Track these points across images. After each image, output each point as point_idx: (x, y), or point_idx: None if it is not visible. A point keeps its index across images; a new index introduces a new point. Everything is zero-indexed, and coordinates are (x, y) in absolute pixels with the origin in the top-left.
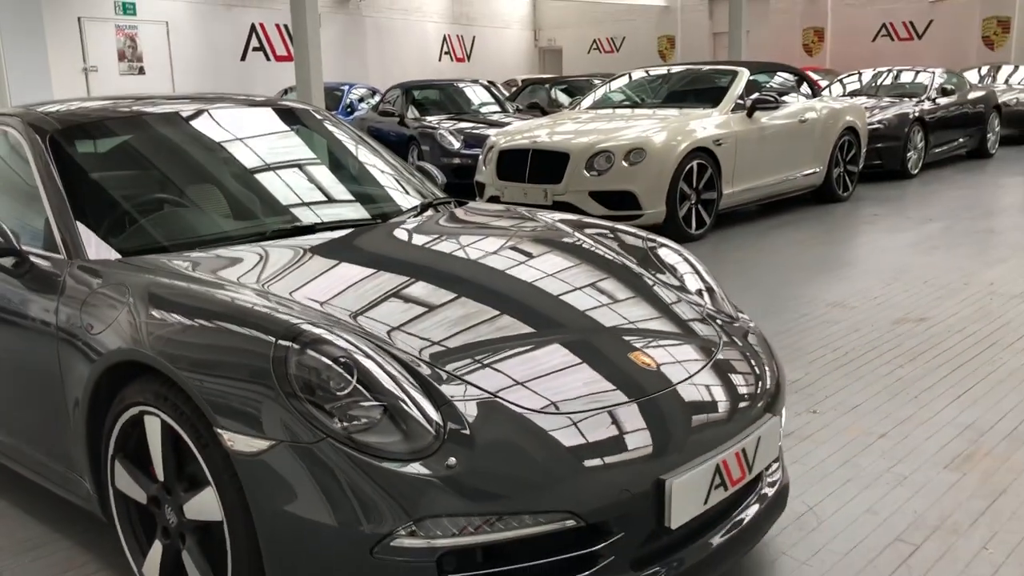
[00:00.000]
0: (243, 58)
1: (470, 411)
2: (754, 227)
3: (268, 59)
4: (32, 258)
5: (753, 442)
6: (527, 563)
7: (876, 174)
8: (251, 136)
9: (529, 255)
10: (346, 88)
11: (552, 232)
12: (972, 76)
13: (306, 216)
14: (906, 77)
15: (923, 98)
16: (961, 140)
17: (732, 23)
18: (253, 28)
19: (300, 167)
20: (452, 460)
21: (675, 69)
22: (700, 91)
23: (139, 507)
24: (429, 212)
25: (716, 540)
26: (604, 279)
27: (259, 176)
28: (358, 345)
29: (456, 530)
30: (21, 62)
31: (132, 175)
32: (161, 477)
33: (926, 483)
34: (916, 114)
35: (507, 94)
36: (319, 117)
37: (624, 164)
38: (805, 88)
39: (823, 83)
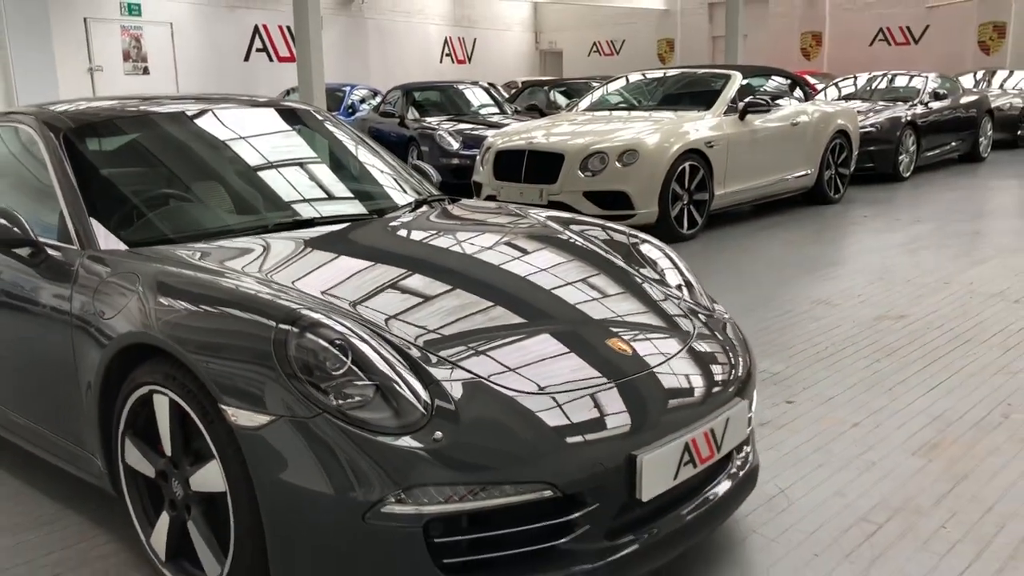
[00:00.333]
0: (246, 59)
1: (456, 391)
2: (745, 227)
3: (271, 60)
4: (47, 249)
5: (722, 423)
6: (509, 530)
7: (868, 177)
8: (254, 135)
9: (519, 250)
10: (348, 89)
11: (541, 228)
12: (967, 81)
13: (306, 211)
14: (900, 81)
15: (916, 102)
16: (953, 144)
17: (729, 27)
18: (256, 29)
19: (301, 165)
20: (439, 434)
21: (671, 72)
22: (695, 94)
23: (147, 481)
24: (423, 208)
25: (687, 514)
26: (590, 273)
27: (261, 173)
28: (353, 329)
29: (442, 498)
30: (28, 62)
31: (140, 171)
32: (168, 452)
33: (893, 468)
34: (908, 118)
35: (507, 96)
36: (320, 117)
37: (617, 165)
38: (798, 92)
39: (819, 86)
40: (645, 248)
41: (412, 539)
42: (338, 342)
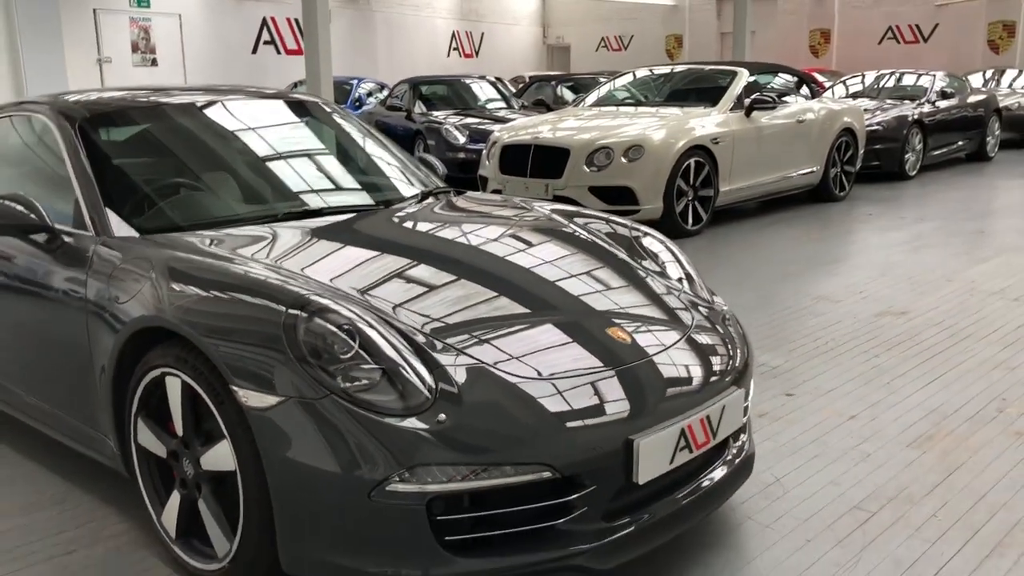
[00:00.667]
0: (254, 51)
1: (460, 376)
2: (750, 224)
3: (279, 52)
4: (63, 235)
5: (718, 410)
6: (508, 509)
7: (874, 175)
8: (264, 126)
9: (523, 242)
10: (355, 83)
11: (546, 221)
12: (976, 80)
13: (315, 201)
14: (908, 80)
15: (923, 101)
16: (960, 143)
17: (737, 23)
18: (264, 22)
19: (310, 156)
20: (442, 416)
21: (677, 68)
22: (701, 90)
23: (159, 461)
24: (429, 200)
25: (683, 498)
26: (592, 265)
27: (271, 163)
28: (361, 315)
29: (444, 478)
30: (38, 52)
31: (153, 160)
32: (180, 432)
33: (888, 459)
34: (915, 116)
35: (513, 90)
36: (328, 109)
37: (623, 160)
38: (804, 89)
39: (827, 84)
40: (647, 241)
41: (416, 516)
42: (346, 327)
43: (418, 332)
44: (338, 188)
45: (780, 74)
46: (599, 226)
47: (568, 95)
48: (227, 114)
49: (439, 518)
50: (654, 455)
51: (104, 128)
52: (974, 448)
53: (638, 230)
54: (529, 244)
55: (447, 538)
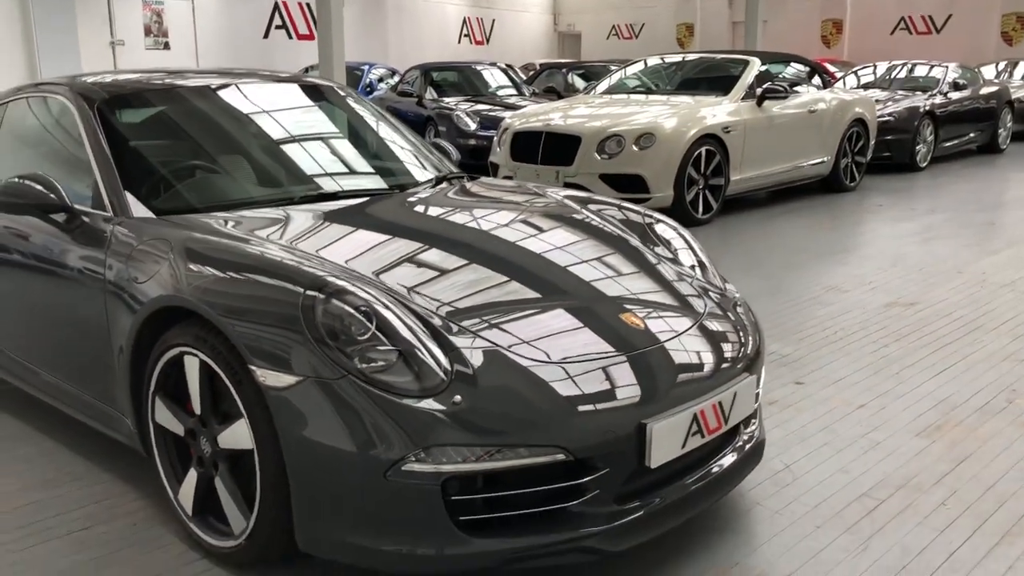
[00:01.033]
0: (266, 36)
1: (475, 358)
2: (760, 213)
3: (290, 37)
4: (81, 215)
5: (730, 396)
6: (522, 490)
7: (885, 166)
8: (280, 110)
9: (536, 228)
10: (366, 68)
11: (559, 207)
12: (989, 71)
13: (330, 185)
14: (920, 71)
15: (935, 92)
16: (972, 135)
17: (748, 13)
18: (276, 6)
19: (325, 140)
20: (458, 397)
21: (689, 57)
22: (713, 79)
23: (176, 439)
24: (443, 185)
25: (694, 483)
26: (605, 251)
27: (287, 147)
28: (377, 297)
29: (459, 458)
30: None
31: (171, 142)
32: (198, 411)
33: (897, 448)
34: (927, 107)
35: (524, 78)
36: (342, 94)
37: (634, 148)
38: (816, 79)
39: (839, 75)
40: (660, 228)
41: (431, 496)
42: (363, 309)
43: (434, 315)
44: (353, 172)
45: (792, 64)
46: (612, 212)
47: (579, 83)
48: (243, 97)
49: (454, 498)
50: (666, 439)
51: (122, 110)
52: (983, 438)
53: (651, 217)
54: (542, 230)
55: (461, 518)
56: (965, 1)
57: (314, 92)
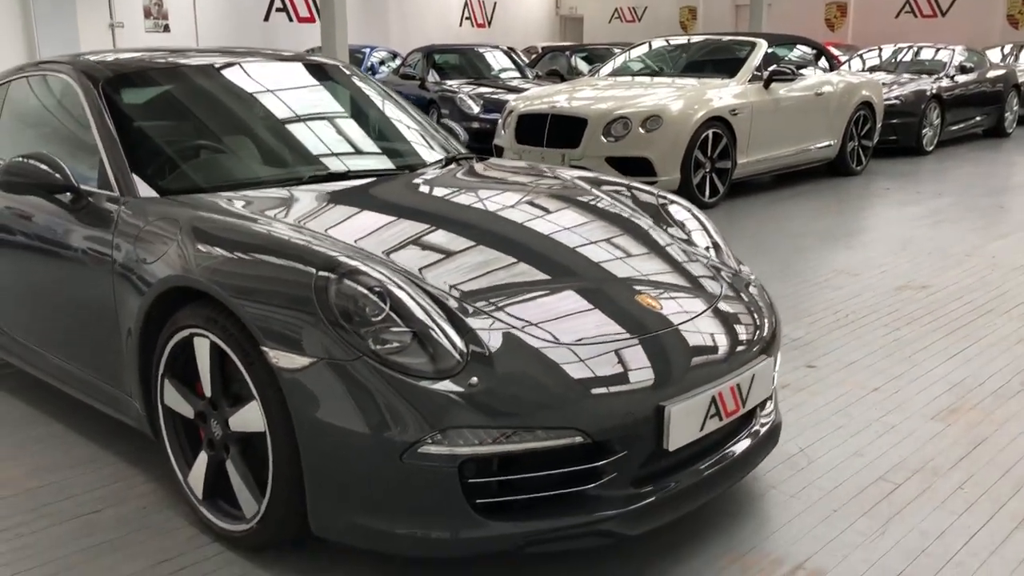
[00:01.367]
0: (266, 19)
1: (491, 340)
2: (767, 197)
3: (291, 20)
4: (87, 195)
5: (748, 379)
6: (539, 473)
7: (891, 150)
8: (286, 88)
9: (547, 209)
10: (367, 51)
11: (570, 188)
12: (995, 55)
13: (339, 165)
14: (926, 54)
15: (941, 75)
16: (978, 118)
17: None
18: None
19: (332, 119)
20: (474, 379)
21: (694, 39)
22: (718, 61)
23: (185, 422)
24: (453, 166)
25: (712, 466)
26: (618, 233)
27: (296, 126)
28: (391, 277)
29: (476, 441)
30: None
31: (176, 121)
32: (208, 393)
33: (912, 431)
34: (933, 91)
35: (527, 61)
36: (348, 72)
37: (641, 131)
38: (823, 62)
39: (843, 59)
40: (673, 209)
41: (447, 479)
42: (377, 289)
43: (447, 295)
44: (361, 152)
45: (797, 46)
46: (625, 194)
47: (582, 66)
48: (248, 76)
49: (470, 481)
50: (685, 422)
51: (127, 89)
52: (999, 422)
53: (664, 198)
54: (554, 211)
55: (478, 501)
56: None
57: (319, 71)
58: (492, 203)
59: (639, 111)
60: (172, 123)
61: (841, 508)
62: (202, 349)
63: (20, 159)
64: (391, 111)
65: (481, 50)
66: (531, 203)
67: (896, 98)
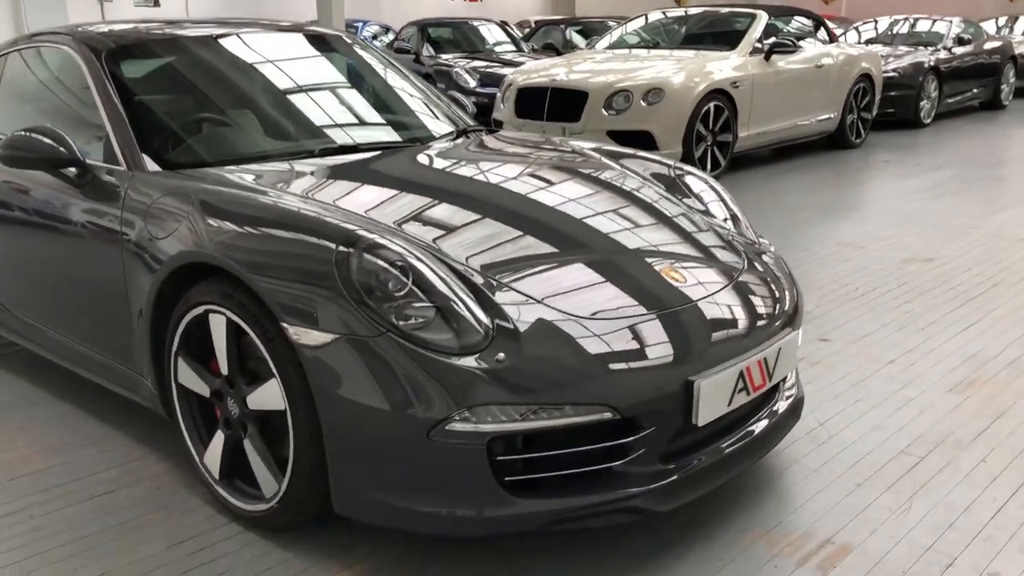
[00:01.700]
0: None
1: (517, 315)
2: (767, 170)
3: None
4: (93, 170)
5: (774, 353)
6: (568, 450)
7: (888, 123)
8: (290, 60)
9: (566, 182)
10: (360, 25)
11: (586, 161)
12: (989, 27)
13: (349, 137)
14: (922, 26)
15: (939, 47)
16: (975, 91)
17: None
18: None
19: (341, 92)
20: (501, 355)
21: (692, 11)
22: (717, 34)
23: (200, 401)
24: (465, 138)
25: (739, 440)
26: (638, 206)
27: (303, 98)
28: (411, 250)
29: (505, 418)
30: None
31: (182, 94)
32: (224, 371)
33: (931, 404)
34: (931, 63)
35: (520, 35)
36: (349, 41)
37: (642, 104)
38: (822, 33)
39: (838, 31)
40: (690, 180)
41: (476, 456)
42: (398, 263)
43: (470, 269)
44: (372, 125)
45: (796, 17)
46: (643, 165)
47: (578, 39)
48: (251, 48)
49: (499, 459)
50: (713, 397)
51: (130, 60)
52: (1017, 394)
53: (680, 169)
54: (574, 185)
55: (506, 479)
56: None
57: (321, 42)
58: (508, 177)
59: (640, 84)
60: (178, 96)
61: (865, 482)
62: (218, 326)
63: (23, 133)
64: (401, 83)
65: (476, 24)
66: (549, 177)
67: (894, 70)
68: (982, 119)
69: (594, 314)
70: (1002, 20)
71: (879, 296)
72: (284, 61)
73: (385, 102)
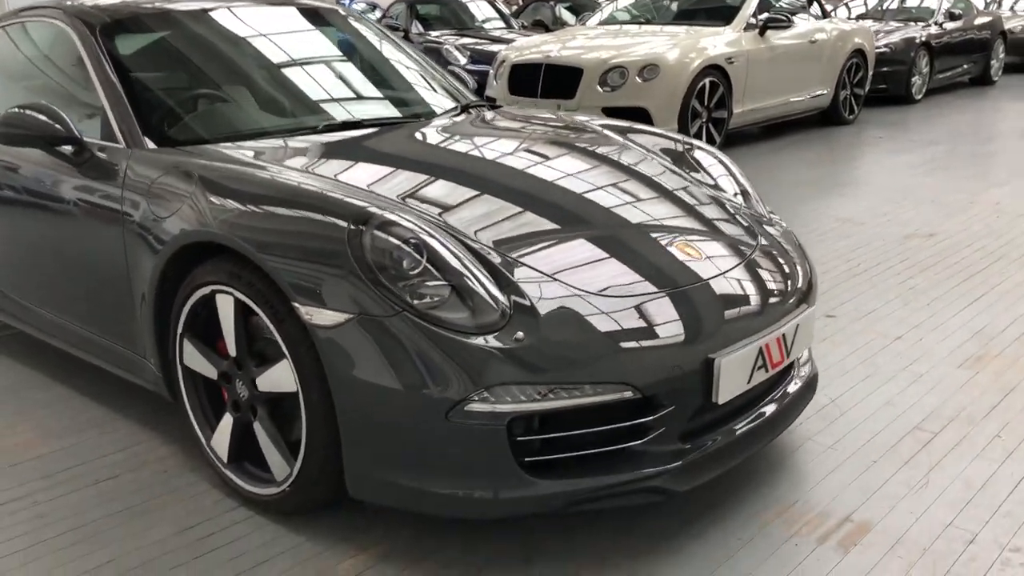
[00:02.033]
0: None
1: (534, 292)
2: (761, 147)
3: None
4: (91, 148)
5: (792, 329)
6: (588, 429)
7: (879, 98)
8: (286, 34)
9: (576, 159)
10: (346, 2)
11: (595, 136)
12: (978, 1)
13: (353, 113)
14: (912, 0)
15: (930, 22)
16: (965, 66)
17: None
18: None
19: (341, 66)
20: (520, 334)
21: None
22: (710, 9)
23: (207, 383)
24: (468, 114)
25: (757, 418)
26: (651, 182)
27: (302, 73)
28: (424, 227)
29: (524, 397)
30: None
31: (180, 68)
32: (233, 352)
33: (941, 380)
34: (923, 39)
35: (509, 11)
36: (343, 13)
37: (638, 80)
38: (815, 8)
39: (828, 7)
40: (699, 154)
41: (496, 437)
42: (412, 241)
43: (484, 246)
44: (374, 100)
45: None
46: (651, 140)
47: (567, 16)
48: (248, 22)
49: (518, 439)
50: (733, 374)
51: (125, 35)
52: None
53: (690, 144)
54: (584, 162)
55: (525, 460)
56: None
57: (316, 16)
58: (518, 153)
59: (635, 60)
60: (176, 71)
61: (880, 459)
62: (225, 306)
63: (17, 109)
64: (401, 58)
65: (465, 0)
66: (560, 153)
67: (885, 46)
68: (972, 95)
69: (611, 292)
70: None
71: (881, 272)
72: (281, 35)
73: (386, 77)
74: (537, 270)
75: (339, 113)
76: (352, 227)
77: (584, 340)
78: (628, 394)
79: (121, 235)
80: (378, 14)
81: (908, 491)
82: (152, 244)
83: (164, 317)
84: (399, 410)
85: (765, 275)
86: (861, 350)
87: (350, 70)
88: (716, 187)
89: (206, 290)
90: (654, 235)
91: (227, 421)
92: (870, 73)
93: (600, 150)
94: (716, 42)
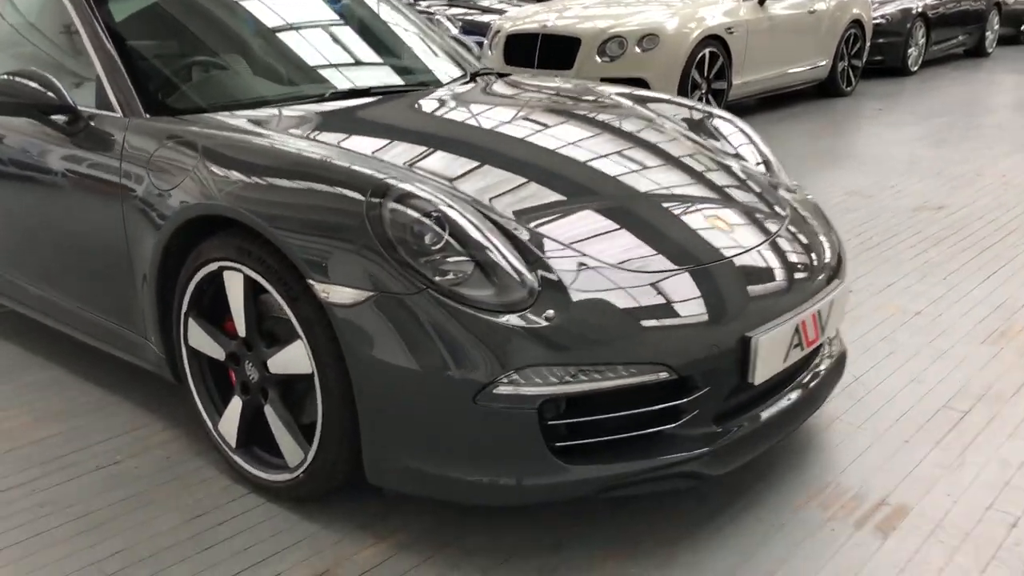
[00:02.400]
0: None
1: (562, 268)
2: (760, 119)
3: None
4: (86, 117)
5: (827, 305)
6: (622, 412)
7: (875, 70)
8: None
9: (595, 129)
10: None
11: (612, 105)
12: None
13: (359, 81)
14: None
15: None
16: (960, 38)
17: None
18: None
19: (346, 33)
20: (550, 312)
21: None
22: None
23: (213, 365)
24: (479, 81)
25: (791, 398)
26: (676, 153)
27: (309, 40)
28: (444, 199)
29: (556, 379)
30: None
31: (178, 35)
32: (242, 333)
33: (966, 356)
34: (919, 9)
35: None
36: None
37: (637, 50)
38: None
39: None
40: (719, 123)
41: (526, 421)
42: (434, 214)
43: (509, 220)
44: (382, 67)
45: None
46: (671, 109)
47: None
48: None
49: (549, 423)
50: (770, 353)
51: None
52: None
53: (709, 113)
54: (605, 132)
55: (556, 444)
56: None
57: None
58: (536, 122)
59: (635, 30)
60: (174, 38)
61: (911, 439)
62: (234, 284)
63: (7, 76)
64: (409, 26)
65: None
66: (576, 123)
67: (882, 17)
68: (967, 67)
69: (643, 267)
70: None
71: (895, 246)
72: (282, 1)
73: (397, 47)
74: (564, 244)
75: (347, 81)
76: (370, 200)
77: (616, 319)
78: (664, 375)
79: (120, 208)
80: None
81: (944, 472)
82: (154, 218)
83: (167, 295)
84: (422, 393)
85: (797, 248)
86: (881, 326)
87: (354, 37)
88: (737, 156)
89: (213, 267)
90: (681, 208)
91: (235, 404)
92: (868, 44)
93: (621, 121)
94: (715, 11)
